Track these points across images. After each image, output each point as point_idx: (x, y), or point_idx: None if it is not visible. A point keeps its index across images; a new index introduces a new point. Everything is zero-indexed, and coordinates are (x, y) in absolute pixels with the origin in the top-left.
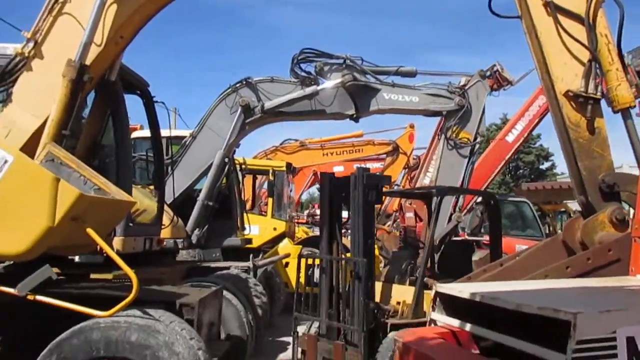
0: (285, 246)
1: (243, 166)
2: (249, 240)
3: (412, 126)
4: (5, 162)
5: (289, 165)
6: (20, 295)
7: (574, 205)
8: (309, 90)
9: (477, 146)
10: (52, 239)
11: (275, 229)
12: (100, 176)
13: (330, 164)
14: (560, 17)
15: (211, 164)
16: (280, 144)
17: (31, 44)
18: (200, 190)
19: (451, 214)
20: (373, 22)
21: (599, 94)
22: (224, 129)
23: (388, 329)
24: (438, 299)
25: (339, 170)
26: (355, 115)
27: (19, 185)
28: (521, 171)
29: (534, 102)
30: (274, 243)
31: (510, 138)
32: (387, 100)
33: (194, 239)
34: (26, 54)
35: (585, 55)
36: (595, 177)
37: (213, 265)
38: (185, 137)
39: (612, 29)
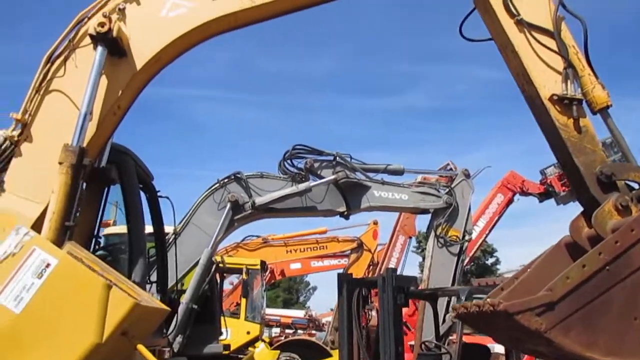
0: (262, 351)
1: (220, 265)
2: (228, 347)
3: (375, 223)
4: (48, 265)
5: (262, 263)
6: None
7: None
8: (302, 186)
9: (466, 244)
10: None
11: (248, 332)
12: (126, 279)
13: (289, 261)
14: (532, 32)
15: (195, 264)
16: (242, 240)
17: (20, 127)
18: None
19: (445, 315)
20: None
21: (579, 95)
22: (212, 225)
23: None
24: None
25: (296, 267)
26: (346, 213)
27: (62, 295)
28: (468, 267)
29: (492, 200)
30: (247, 347)
31: (472, 235)
32: (378, 198)
33: (175, 347)
34: (16, 138)
35: (558, 64)
36: (592, 170)
37: None
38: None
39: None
